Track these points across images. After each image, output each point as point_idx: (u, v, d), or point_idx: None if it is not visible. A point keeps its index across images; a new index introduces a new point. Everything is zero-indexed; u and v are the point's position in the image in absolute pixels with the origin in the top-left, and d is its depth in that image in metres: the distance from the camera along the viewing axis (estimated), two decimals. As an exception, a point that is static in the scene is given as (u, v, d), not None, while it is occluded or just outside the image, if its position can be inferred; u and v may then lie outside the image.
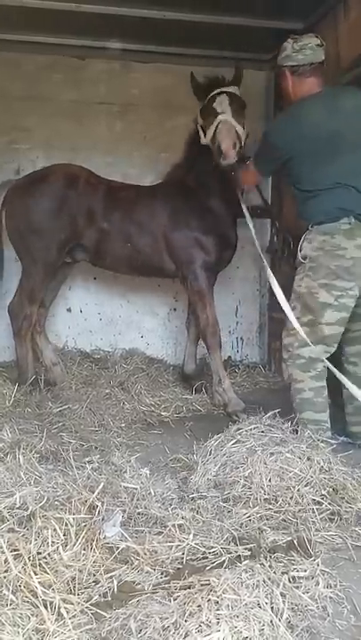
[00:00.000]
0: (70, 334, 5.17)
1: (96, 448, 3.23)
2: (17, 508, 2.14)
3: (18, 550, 1.93)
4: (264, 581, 1.76)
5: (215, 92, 3.70)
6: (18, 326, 4.25)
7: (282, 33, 4.61)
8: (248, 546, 2.09)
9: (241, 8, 4.26)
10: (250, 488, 2.47)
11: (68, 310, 5.17)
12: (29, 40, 4.68)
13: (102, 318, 5.25)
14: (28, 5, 4.06)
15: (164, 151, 5.07)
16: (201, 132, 3.82)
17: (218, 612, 1.61)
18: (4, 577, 1.86)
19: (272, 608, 1.68)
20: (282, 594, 1.75)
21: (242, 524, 2.27)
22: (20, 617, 1.75)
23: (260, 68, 5.24)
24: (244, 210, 3.74)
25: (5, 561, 1.90)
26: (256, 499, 2.42)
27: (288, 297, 3.28)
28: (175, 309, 5.34)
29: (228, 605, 1.63)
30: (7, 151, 4.88)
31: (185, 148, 4.17)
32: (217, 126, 3.59)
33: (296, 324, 3.06)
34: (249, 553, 2.05)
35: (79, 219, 4.13)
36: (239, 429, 2.82)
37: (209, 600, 1.66)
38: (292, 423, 2.95)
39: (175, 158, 4.87)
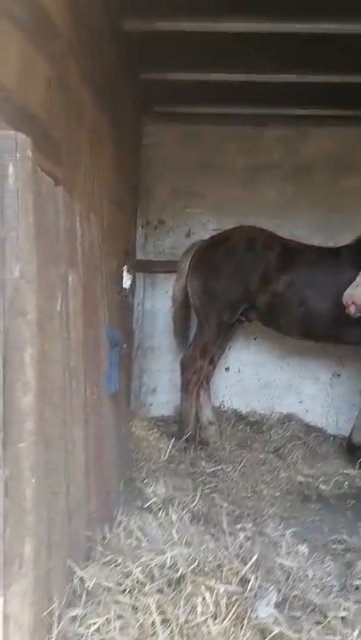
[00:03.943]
0: (227, 394, 5.12)
1: (248, 515, 3.08)
2: (167, 568, 2.05)
3: (166, 614, 1.83)
4: None
5: None
6: (187, 380, 4.33)
7: None
8: None
9: None
10: None
11: (227, 369, 5.15)
12: (208, 112, 4.98)
13: (260, 380, 5.14)
14: (209, 79, 4.33)
15: (335, 212, 4.98)
16: None
17: None
18: (150, 640, 1.77)
19: None
20: None
21: None
22: None
23: None
24: None
25: (153, 624, 1.81)
26: None
27: None
28: (339, 375, 5.05)
29: None
30: (181, 215, 5.16)
31: None
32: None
33: None
34: None
35: (253, 282, 4.16)
36: None
37: None
38: None
39: (346, 219, 4.80)
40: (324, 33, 3.60)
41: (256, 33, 3.65)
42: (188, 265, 4.39)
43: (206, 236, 4.79)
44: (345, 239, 4.37)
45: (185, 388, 4.34)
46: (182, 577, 1.98)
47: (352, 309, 3.56)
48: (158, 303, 5.13)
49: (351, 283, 3.92)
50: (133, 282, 4.95)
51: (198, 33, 3.69)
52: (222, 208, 5.08)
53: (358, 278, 3.55)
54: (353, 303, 3.53)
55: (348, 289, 3.57)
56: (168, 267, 4.94)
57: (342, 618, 1.93)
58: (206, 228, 5.06)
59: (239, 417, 4.93)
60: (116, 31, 3.57)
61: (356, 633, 1.84)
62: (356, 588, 2.21)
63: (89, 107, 3.03)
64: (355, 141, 4.99)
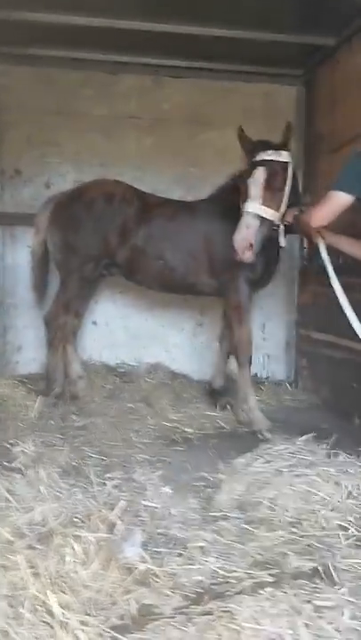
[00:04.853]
0: (96, 347, 5.16)
1: (118, 464, 3.19)
2: (36, 524, 2.10)
3: (36, 568, 1.90)
4: (287, 611, 1.68)
5: (257, 158, 3.56)
6: (52, 336, 4.30)
7: (314, 48, 4.66)
8: (271, 571, 2.02)
9: (273, 24, 4.25)
10: (274, 510, 2.40)
11: (94, 323, 5.18)
12: (63, 56, 4.76)
13: (128, 332, 5.24)
14: (63, 22, 4.12)
15: (194, 166, 5.08)
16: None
17: (238, 642, 1.55)
18: (22, 595, 1.83)
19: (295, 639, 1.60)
20: (305, 624, 1.67)
21: (265, 547, 2.20)
22: (36, 638, 1.71)
23: (291, 83, 5.23)
24: (324, 255, 3.45)
25: (23, 579, 1.87)
26: (280, 522, 2.34)
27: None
28: (201, 324, 5.31)
29: (248, 635, 1.56)
30: (38, 165, 4.95)
31: (233, 174, 4.04)
32: (242, 215, 3.53)
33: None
34: (272, 579, 1.98)
35: (112, 236, 4.15)
36: (269, 448, 2.76)
37: (228, 629, 1.59)
38: (327, 446, 2.86)
39: (204, 172, 4.94)
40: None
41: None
42: (46, 219, 4.27)
43: (66, 187, 4.67)
44: (203, 193, 4.49)
45: (50, 344, 4.31)
46: (51, 531, 2.05)
47: (248, 254, 3.48)
48: (19, 257, 4.96)
49: (205, 236, 4.09)
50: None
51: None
52: (82, 158, 4.95)
53: (242, 221, 3.49)
54: (250, 245, 3.46)
55: (237, 234, 3.46)
56: (28, 219, 4.76)
57: (200, 547, 2.13)
58: (66, 179, 4.92)
59: (109, 369, 5.01)
60: None
61: (211, 559, 2.05)
62: (215, 520, 2.42)
63: None
64: (211, 95, 5.06)
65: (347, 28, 4.24)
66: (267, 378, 5.34)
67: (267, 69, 5.09)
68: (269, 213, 3.52)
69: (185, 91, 5.06)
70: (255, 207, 3.50)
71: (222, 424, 4.05)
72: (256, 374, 5.27)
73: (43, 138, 4.90)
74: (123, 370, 5.08)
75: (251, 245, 3.47)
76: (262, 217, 3.50)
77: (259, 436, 3.77)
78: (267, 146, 3.61)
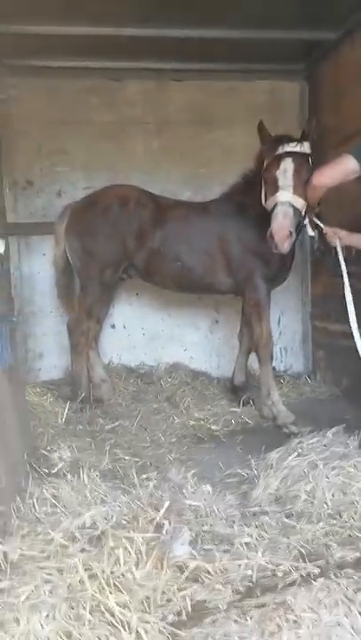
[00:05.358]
0: (115, 350, 5.23)
1: (150, 464, 3.27)
2: (87, 528, 2.18)
3: (92, 570, 1.97)
4: (342, 600, 1.75)
5: (281, 151, 3.60)
6: (76, 342, 4.35)
7: (316, 43, 4.70)
8: (317, 562, 2.09)
9: (273, 22, 4.27)
10: (312, 503, 2.47)
11: (112, 327, 5.24)
12: (68, 66, 4.80)
13: (145, 333, 5.30)
14: (65, 33, 4.17)
15: (201, 166, 5.13)
16: (263, 189, 3.73)
17: (298, 632, 1.62)
18: (81, 597, 1.90)
19: (352, 627, 1.67)
20: (360, 612, 1.74)
21: (308, 540, 2.27)
22: (98, 637, 1.79)
23: (293, 79, 5.26)
24: (341, 259, 3.47)
25: (81, 581, 1.94)
26: (319, 514, 2.41)
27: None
28: (217, 322, 5.37)
29: (308, 625, 1.63)
30: (49, 174, 5.00)
31: (245, 172, 4.11)
32: (275, 206, 3.54)
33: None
34: (319, 570, 2.05)
35: (130, 240, 4.20)
36: (300, 442, 2.83)
37: (287, 620, 1.66)
38: (357, 437, 2.92)
39: (213, 172, 4.99)
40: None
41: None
42: (64, 228, 4.33)
43: (77, 195, 4.74)
44: (211, 193, 4.55)
45: (74, 350, 4.37)
46: (103, 533, 2.12)
47: (286, 244, 3.47)
48: (35, 266, 5.03)
49: (220, 235, 4.14)
50: (7, 247, 4.79)
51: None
52: (91, 165, 4.99)
53: (278, 210, 3.48)
54: (289, 233, 3.45)
55: (274, 224, 3.45)
56: (42, 228, 4.84)
57: (246, 543, 2.20)
58: (77, 186, 4.97)
59: (129, 371, 5.08)
60: None
61: (259, 554, 2.12)
62: (254, 514, 2.49)
63: None
64: (214, 95, 5.11)
65: (348, 21, 4.27)
66: (285, 371, 5.39)
67: (269, 66, 5.10)
68: (300, 203, 3.53)
69: (189, 92, 5.10)
70: (288, 196, 3.51)
71: (246, 419, 4.12)
72: (274, 368, 5.30)
73: (52, 147, 4.95)
74: (143, 371, 5.14)
75: (290, 234, 3.49)
76: (294, 206, 3.52)
77: (284, 429, 3.84)
78: (290, 138, 3.65)
